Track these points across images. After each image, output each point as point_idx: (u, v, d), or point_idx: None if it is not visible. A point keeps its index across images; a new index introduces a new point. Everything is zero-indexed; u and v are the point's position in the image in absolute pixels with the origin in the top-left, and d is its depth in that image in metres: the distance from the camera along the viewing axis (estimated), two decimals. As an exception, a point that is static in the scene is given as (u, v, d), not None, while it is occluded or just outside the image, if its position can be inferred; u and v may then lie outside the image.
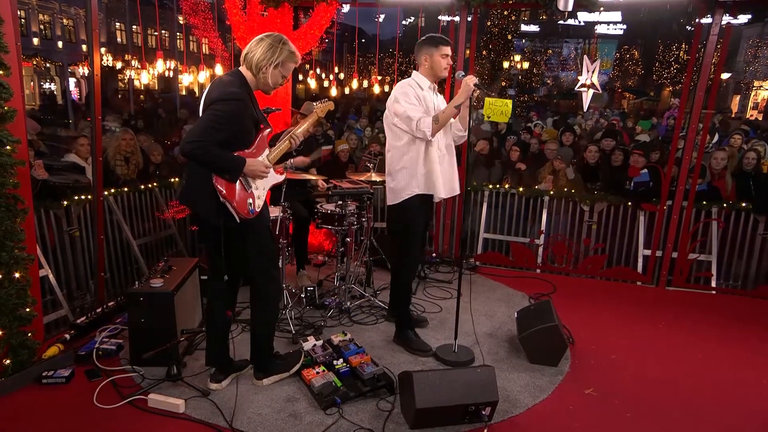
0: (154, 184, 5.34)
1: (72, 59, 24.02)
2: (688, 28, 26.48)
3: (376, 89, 7.28)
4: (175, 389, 3.00)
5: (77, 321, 3.62)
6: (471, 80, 3.23)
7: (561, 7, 4.21)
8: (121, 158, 5.24)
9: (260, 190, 2.80)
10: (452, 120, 3.41)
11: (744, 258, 5.12)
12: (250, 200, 2.72)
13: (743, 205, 5.06)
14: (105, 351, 3.33)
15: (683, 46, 28.41)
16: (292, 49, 2.68)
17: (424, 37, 3.37)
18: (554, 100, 27.04)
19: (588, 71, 4.48)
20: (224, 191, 2.59)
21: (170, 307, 3.13)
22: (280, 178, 2.93)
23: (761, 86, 26.62)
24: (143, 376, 3.11)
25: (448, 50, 3.33)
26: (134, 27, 26.39)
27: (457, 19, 5.11)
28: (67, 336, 3.49)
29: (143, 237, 5.19)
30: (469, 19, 4.94)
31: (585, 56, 4.62)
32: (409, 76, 3.46)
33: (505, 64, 21.61)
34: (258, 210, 2.77)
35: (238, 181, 2.64)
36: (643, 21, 26.42)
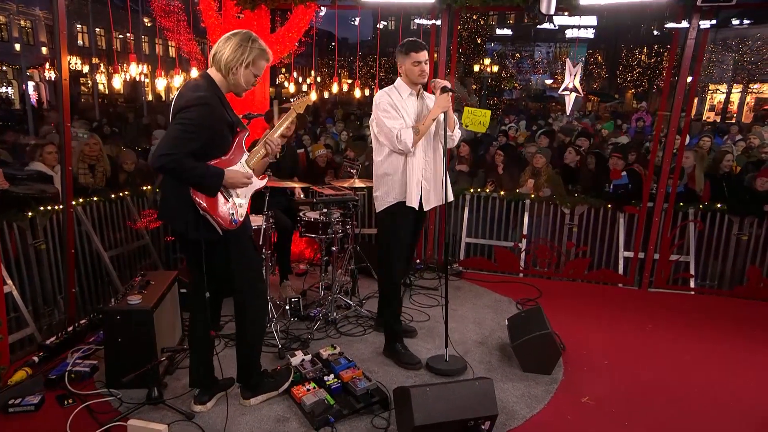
0: (126, 192, 5.10)
1: (31, 62, 23.12)
2: (655, 33, 27.28)
3: (357, 93, 7.16)
4: (157, 413, 2.82)
5: (46, 342, 3.39)
6: (440, 84, 3.23)
7: (543, 9, 4.19)
8: (84, 166, 4.98)
9: (242, 198, 2.65)
10: (441, 119, 3.33)
11: (720, 258, 5.21)
12: (233, 210, 2.58)
13: (719, 206, 5.15)
14: (78, 374, 3.10)
15: (644, 50, 29.29)
16: (263, 47, 2.54)
17: (399, 45, 3.28)
18: (523, 103, 27.47)
19: (570, 75, 4.48)
20: (204, 204, 2.45)
21: (149, 325, 2.95)
22: (262, 183, 2.78)
23: (717, 89, 27.64)
24: (121, 400, 2.92)
25: (419, 57, 3.19)
26: (97, 29, 25.58)
27: (430, 22, 5.07)
28: (36, 358, 3.26)
29: (114, 248, 4.95)
30: (440, 22, 4.90)
31: (568, 60, 4.62)
32: (392, 81, 3.40)
33: (476, 68, 21.78)
34: (241, 219, 2.63)
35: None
36: (608, 25, 27.09)
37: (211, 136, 2.44)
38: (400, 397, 2.73)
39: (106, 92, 24.15)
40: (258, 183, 2.71)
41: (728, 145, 7.89)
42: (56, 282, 4.37)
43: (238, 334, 2.86)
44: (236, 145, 2.61)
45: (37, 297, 4.14)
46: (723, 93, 27.51)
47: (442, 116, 3.29)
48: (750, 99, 27.00)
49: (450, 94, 3.25)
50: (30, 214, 4.11)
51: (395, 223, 3.34)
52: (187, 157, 2.31)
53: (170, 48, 30.28)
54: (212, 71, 2.54)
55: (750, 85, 26.07)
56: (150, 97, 21.52)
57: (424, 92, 3.43)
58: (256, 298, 2.77)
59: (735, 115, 25.91)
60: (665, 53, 27.93)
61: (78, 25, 25.43)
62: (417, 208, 3.32)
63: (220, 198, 2.50)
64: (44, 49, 25.16)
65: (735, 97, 27.54)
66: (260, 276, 2.83)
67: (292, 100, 3.04)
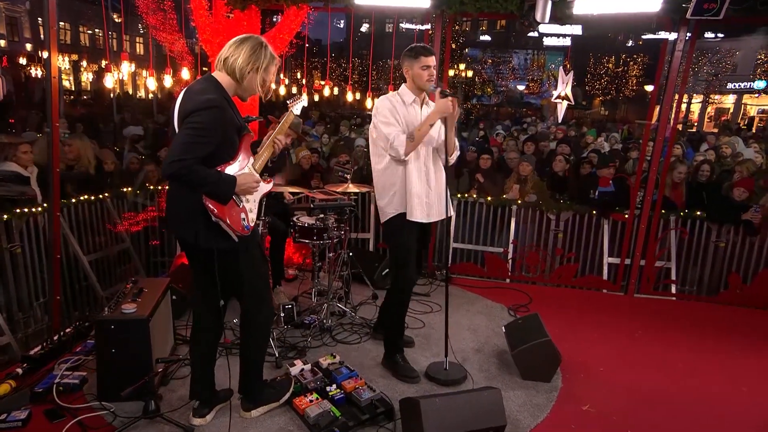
0: (106, 194, 4.91)
1: (-14, 55, 22.08)
2: (630, 43, 28.20)
3: (349, 96, 7.09)
4: (154, 427, 2.71)
5: (30, 352, 3.20)
6: (437, 90, 3.11)
7: (539, 18, 4.23)
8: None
9: (251, 203, 2.58)
10: (442, 133, 3.25)
11: (699, 264, 5.35)
12: (243, 215, 2.50)
13: (698, 213, 5.29)
14: (66, 386, 2.94)
15: (612, 59, 30.14)
16: (273, 53, 2.52)
17: (407, 48, 3.20)
18: (495, 108, 27.85)
19: (563, 84, 4.53)
20: (216, 210, 2.36)
21: (146, 335, 2.83)
22: (269, 187, 2.70)
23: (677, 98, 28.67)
24: (114, 413, 2.79)
25: (428, 61, 3.12)
26: (61, 23, 24.68)
27: (419, 27, 5.07)
28: (19, 370, 3.07)
29: (93, 252, 4.75)
30: (427, 26, 4.90)
31: (561, 68, 4.67)
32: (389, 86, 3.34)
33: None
34: (252, 225, 2.55)
35: None
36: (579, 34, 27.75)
37: (222, 139, 2.36)
38: (407, 408, 2.68)
39: (72, 88, 23.33)
40: (265, 187, 2.63)
41: (703, 153, 8.12)
42: (33, 288, 4.16)
43: (242, 343, 2.77)
44: (242, 150, 2.53)
45: (11, 304, 3.94)
46: (684, 102, 28.54)
47: (442, 129, 3.20)
48: (711, 109, 28.07)
49: (450, 98, 3.09)
50: (6, 216, 3.92)
51: (400, 234, 3.25)
52: (198, 163, 2.23)
53: (137, 44, 29.48)
54: (219, 74, 2.46)
55: (711, 96, 27.10)
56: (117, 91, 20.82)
57: (429, 100, 3.32)
58: (263, 308, 2.68)
59: (696, 124, 26.83)
60: (631, 62, 28.79)
61: (38, 19, 24.44)
62: (422, 221, 3.23)
63: (232, 203, 2.41)
64: (2, 42, 24.12)
65: (695, 107, 28.58)
66: (267, 284, 2.75)
67: (288, 101, 2.99)
